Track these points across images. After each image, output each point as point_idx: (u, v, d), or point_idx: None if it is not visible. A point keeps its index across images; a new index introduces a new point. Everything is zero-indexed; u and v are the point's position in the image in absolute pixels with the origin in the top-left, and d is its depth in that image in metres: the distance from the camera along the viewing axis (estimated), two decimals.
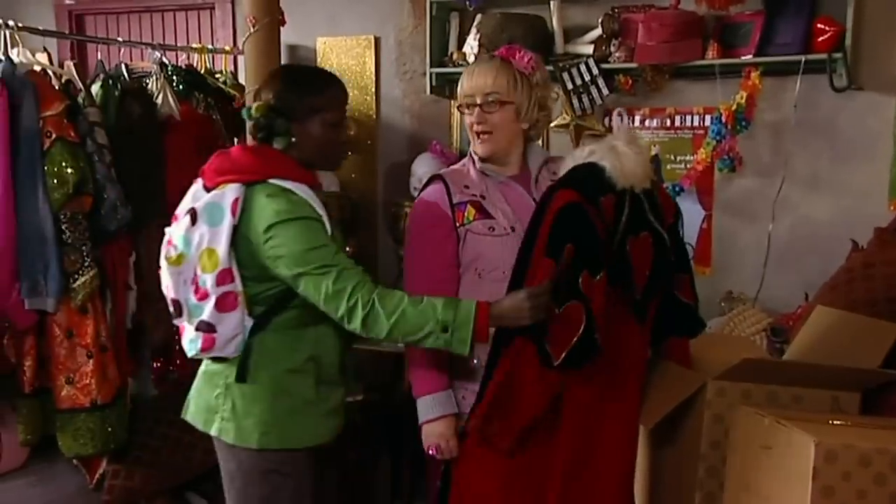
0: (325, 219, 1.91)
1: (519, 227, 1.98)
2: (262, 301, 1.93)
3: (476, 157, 2.11)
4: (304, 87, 1.93)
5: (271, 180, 1.87)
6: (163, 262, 1.96)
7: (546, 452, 1.93)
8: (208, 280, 1.86)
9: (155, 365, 3.25)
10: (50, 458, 2.95)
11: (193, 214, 1.87)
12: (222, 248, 1.84)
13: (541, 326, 1.82)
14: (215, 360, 1.99)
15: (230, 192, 1.85)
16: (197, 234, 1.87)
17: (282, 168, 1.90)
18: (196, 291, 1.91)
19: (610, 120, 3.43)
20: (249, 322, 1.93)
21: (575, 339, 1.79)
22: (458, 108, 2.10)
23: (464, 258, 2.03)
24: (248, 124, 1.98)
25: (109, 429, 2.80)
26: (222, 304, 1.88)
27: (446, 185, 2.07)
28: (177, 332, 3.19)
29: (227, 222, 1.84)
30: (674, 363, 2.08)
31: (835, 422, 1.84)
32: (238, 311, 1.90)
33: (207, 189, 1.91)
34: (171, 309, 1.99)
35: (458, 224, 2.03)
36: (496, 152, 2.08)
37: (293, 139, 1.92)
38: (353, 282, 1.80)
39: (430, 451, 2.01)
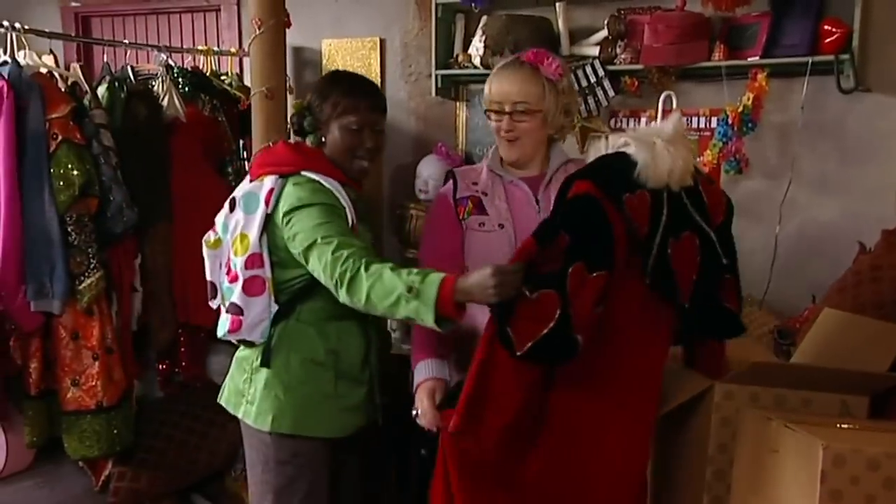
0: (349, 211, 1.96)
1: (508, 225, 2.02)
2: (289, 289, 2.00)
3: (492, 158, 2.15)
4: (331, 90, 2.02)
5: (304, 172, 1.97)
6: (203, 246, 2.08)
7: (523, 453, 1.84)
8: (238, 263, 1.97)
9: (160, 367, 3.26)
10: (56, 460, 2.96)
11: (233, 202, 2.01)
12: (254, 233, 1.94)
13: (506, 309, 1.69)
14: (246, 345, 2.07)
15: (267, 183, 1.96)
16: (234, 220, 1.99)
17: (315, 162, 2.00)
18: (228, 273, 2.02)
19: (617, 122, 3.43)
20: (275, 308, 2.00)
21: (545, 330, 1.65)
22: (485, 111, 2.11)
23: (465, 252, 2.08)
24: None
25: (115, 431, 2.81)
26: (250, 288, 1.97)
27: (455, 180, 2.14)
28: (182, 335, 3.23)
29: (260, 210, 1.94)
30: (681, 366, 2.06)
31: (843, 425, 1.83)
32: (265, 296, 1.98)
33: (251, 181, 2.02)
34: (208, 291, 2.11)
35: (460, 217, 2.09)
36: (522, 157, 2.11)
37: (322, 139, 2.04)
38: (350, 251, 1.82)
39: (413, 414, 2.03)
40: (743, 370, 1.94)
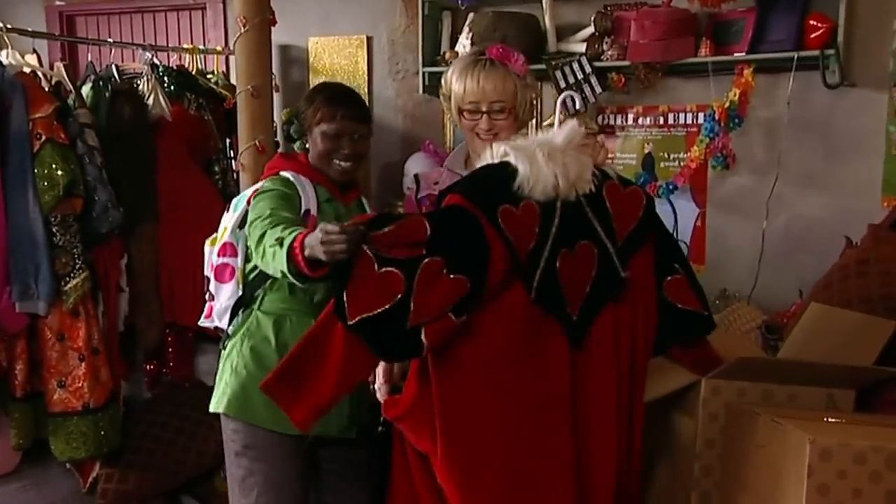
0: (311, 202, 2.02)
1: None
2: (253, 279, 2.08)
3: (453, 159, 2.23)
4: (314, 98, 2.11)
5: (282, 172, 2.08)
6: (206, 245, 2.19)
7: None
8: (215, 251, 2.11)
9: (148, 367, 3.24)
10: (43, 463, 2.94)
11: (229, 205, 2.16)
12: (231, 224, 2.08)
13: (344, 274, 1.61)
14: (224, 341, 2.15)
15: (255, 186, 2.10)
16: (225, 219, 2.14)
17: (292, 164, 2.11)
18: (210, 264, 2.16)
19: (604, 118, 3.43)
20: (239, 293, 2.09)
21: (379, 309, 1.58)
22: (458, 111, 2.10)
23: None
24: None
25: (102, 432, 2.79)
26: (220, 275, 2.11)
27: (418, 182, 2.24)
28: (169, 335, 3.21)
29: (241, 207, 2.07)
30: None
31: (830, 419, 1.84)
32: (232, 284, 2.09)
33: None
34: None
35: None
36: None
37: (306, 144, 2.14)
38: (271, 219, 1.85)
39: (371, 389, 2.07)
40: (730, 365, 1.95)
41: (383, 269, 1.60)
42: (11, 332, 2.72)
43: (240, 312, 2.09)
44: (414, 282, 1.60)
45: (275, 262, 1.73)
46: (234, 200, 2.15)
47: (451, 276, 1.62)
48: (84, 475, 2.95)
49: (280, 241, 1.73)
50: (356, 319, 1.59)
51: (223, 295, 2.10)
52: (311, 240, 1.63)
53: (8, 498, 2.84)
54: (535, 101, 2.22)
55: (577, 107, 1.83)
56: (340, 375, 1.64)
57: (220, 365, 2.12)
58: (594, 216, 1.76)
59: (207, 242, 2.17)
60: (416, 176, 2.27)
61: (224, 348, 2.12)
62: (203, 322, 2.19)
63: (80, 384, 2.75)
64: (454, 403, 1.71)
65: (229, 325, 2.11)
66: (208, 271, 2.16)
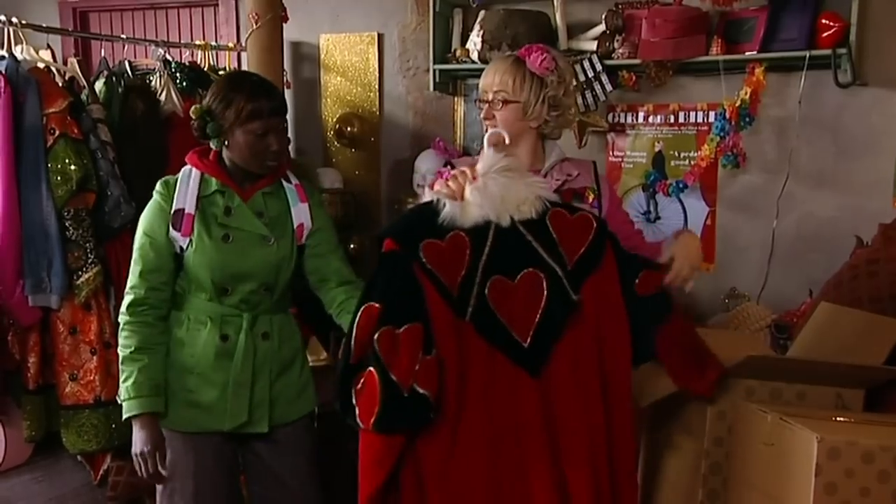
0: (175, 200, 2.02)
1: None
2: None
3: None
4: (233, 96, 1.99)
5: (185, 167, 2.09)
6: None
7: None
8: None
9: None
10: (54, 455, 2.97)
11: None
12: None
13: (345, 396, 1.66)
14: None
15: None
16: None
17: (195, 159, 2.08)
18: None
19: (614, 116, 3.43)
20: None
21: (377, 407, 1.61)
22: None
23: None
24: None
25: (113, 425, 2.81)
26: None
27: (453, 168, 2.14)
28: None
29: None
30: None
31: (838, 418, 1.84)
32: None
33: None
34: None
35: None
36: (498, 144, 2.10)
37: (226, 142, 2.03)
38: (134, 280, 2.01)
39: None
40: (739, 364, 1.95)
41: (361, 379, 1.64)
42: (24, 325, 2.75)
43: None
44: (383, 364, 1.62)
45: (121, 388, 1.98)
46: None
47: (401, 329, 1.63)
48: (95, 467, 2.97)
49: (125, 394, 1.96)
50: (371, 423, 1.62)
51: None
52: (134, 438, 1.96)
53: (20, 489, 2.87)
54: (559, 103, 2.08)
55: (507, 140, 1.83)
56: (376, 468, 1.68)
57: None
58: (538, 243, 1.74)
59: None
60: (448, 163, 2.20)
61: None
62: None
63: (91, 377, 2.78)
64: (432, 450, 1.70)
65: None
66: None
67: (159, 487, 2.06)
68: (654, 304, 1.83)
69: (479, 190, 1.71)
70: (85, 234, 2.74)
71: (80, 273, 2.73)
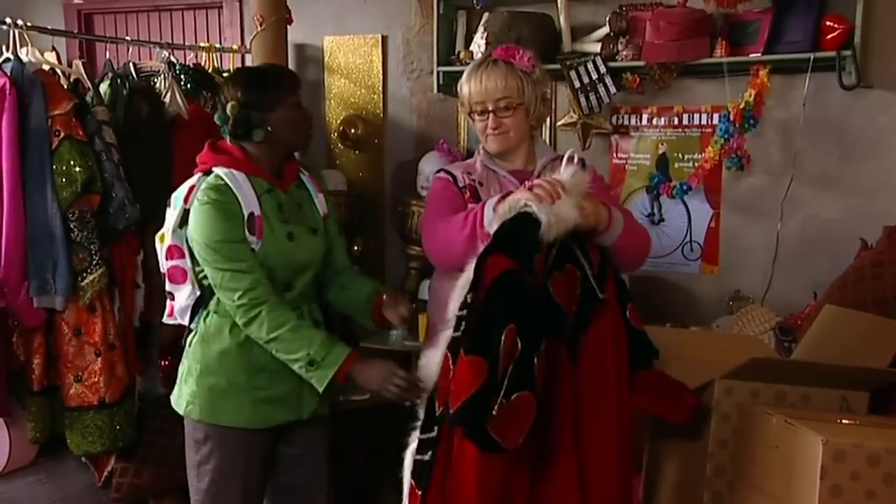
0: (253, 204, 2.03)
1: None
2: (204, 280, 2.11)
3: (483, 153, 2.21)
4: (266, 81, 2.09)
5: (214, 169, 2.07)
6: (157, 241, 2.20)
7: None
8: (162, 254, 2.14)
9: (163, 363, 3.25)
10: (59, 456, 2.97)
11: (168, 201, 2.16)
12: (170, 226, 2.10)
13: (479, 419, 1.63)
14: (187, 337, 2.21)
15: (189, 181, 2.11)
16: (167, 215, 2.14)
17: (222, 158, 2.08)
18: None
19: (618, 119, 3.43)
20: (198, 293, 2.13)
21: (528, 428, 1.66)
22: (468, 113, 2.17)
23: None
24: (225, 125, 2.11)
25: (118, 427, 2.81)
26: (173, 277, 2.14)
27: (450, 174, 2.19)
28: (185, 331, 3.23)
29: (180, 205, 2.09)
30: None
31: (843, 421, 1.83)
32: (188, 284, 2.13)
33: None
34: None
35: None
36: (508, 149, 2.16)
37: (269, 128, 2.06)
38: (245, 283, 1.98)
39: None
40: (743, 366, 1.94)
41: (514, 397, 1.65)
42: (29, 326, 2.76)
43: (200, 311, 2.14)
44: (537, 386, 1.68)
45: (297, 369, 1.97)
46: (174, 195, 2.13)
47: (541, 350, 1.70)
48: (99, 469, 2.97)
49: (311, 361, 1.94)
50: (519, 442, 1.66)
51: (181, 295, 2.14)
52: (373, 376, 1.93)
53: (24, 491, 2.87)
54: (548, 97, 2.19)
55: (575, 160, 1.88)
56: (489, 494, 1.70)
57: (183, 363, 2.18)
58: (574, 244, 1.84)
59: (157, 238, 2.18)
60: (442, 170, 2.22)
61: (188, 346, 2.17)
62: (167, 320, 2.23)
63: (96, 379, 2.78)
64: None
65: (190, 321, 2.16)
66: (163, 269, 2.19)
67: (197, 485, 2.10)
68: (641, 341, 1.93)
69: (565, 206, 1.77)
70: (90, 235, 2.74)
71: (84, 275, 2.74)
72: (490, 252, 1.74)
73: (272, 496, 2.25)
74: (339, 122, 3.97)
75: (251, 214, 2.02)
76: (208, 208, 2.01)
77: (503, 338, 1.63)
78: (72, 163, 2.69)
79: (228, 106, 2.05)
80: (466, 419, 1.64)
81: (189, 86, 3.35)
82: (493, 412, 1.62)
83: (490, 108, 2.09)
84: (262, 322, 1.97)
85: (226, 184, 2.02)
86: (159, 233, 2.17)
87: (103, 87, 3.02)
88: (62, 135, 2.70)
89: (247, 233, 2.01)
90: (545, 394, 1.74)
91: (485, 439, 1.63)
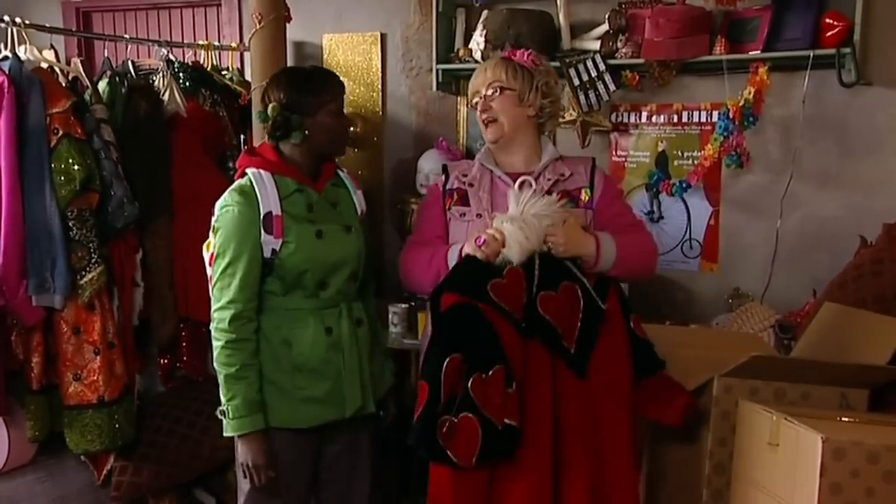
0: (262, 204, 2.01)
1: (486, 215, 2.10)
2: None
3: (485, 151, 2.23)
4: (310, 85, 2.08)
5: (248, 170, 2.08)
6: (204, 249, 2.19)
7: None
8: (207, 260, 2.12)
9: (162, 361, 3.26)
10: (58, 454, 2.97)
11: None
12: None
13: (431, 440, 1.83)
14: None
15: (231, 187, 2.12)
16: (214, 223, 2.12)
17: (255, 160, 2.09)
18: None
19: (618, 116, 3.43)
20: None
21: (478, 446, 1.80)
22: (473, 108, 2.24)
23: (450, 239, 2.17)
24: (260, 125, 2.14)
25: (117, 425, 2.81)
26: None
27: (447, 173, 2.24)
28: (183, 329, 3.23)
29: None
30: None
31: (843, 419, 1.83)
32: None
33: None
34: None
35: (446, 207, 2.19)
36: (502, 139, 2.16)
37: (307, 132, 2.06)
38: (224, 300, 2.01)
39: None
40: (743, 364, 1.95)
41: (458, 418, 1.83)
42: (28, 325, 2.75)
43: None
44: (479, 408, 1.81)
45: (217, 412, 2.04)
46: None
47: (489, 373, 1.82)
48: (98, 467, 2.97)
49: (223, 414, 2.01)
50: (473, 461, 1.81)
51: None
52: (241, 452, 2.03)
53: (24, 489, 2.87)
54: (553, 91, 2.18)
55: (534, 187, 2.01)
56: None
57: None
58: (568, 260, 1.96)
59: (204, 247, 2.17)
60: (444, 167, 2.28)
61: None
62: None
63: (95, 377, 2.77)
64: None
65: None
66: (209, 274, 2.16)
67: (244, 480, 2.10)
68: (645, 350, 2.02)
69: (515, 235, 1.91)
70: (88, 234, 2.74)
71: (83, 273, 2.73)
72: (441, 291, 1.94)
73: (316, 493, 2.25)
74: None
75: (269, 214, 2.01)
76: (225, 212, 2.03)
77: (445, 366, 1.83)
78: (70, 161, 2.69)
79: (269, 107, 2.06)
80: (417, 434, 1.85)
81: (188, 84, 3.35)
82: (444, 428, 1.81)
83: (482, 94, 2.14)
84: (219, 348, 2.01)
85: (251, 185, 2.03)
86: (207, 241, 2.16)
87: (102, 86, 3.01)
88: (61, 133, 2.69)
89: (263, 233, 2.01)
90: (553, 408, 1.89)
91: (434, 450, 1.82)
